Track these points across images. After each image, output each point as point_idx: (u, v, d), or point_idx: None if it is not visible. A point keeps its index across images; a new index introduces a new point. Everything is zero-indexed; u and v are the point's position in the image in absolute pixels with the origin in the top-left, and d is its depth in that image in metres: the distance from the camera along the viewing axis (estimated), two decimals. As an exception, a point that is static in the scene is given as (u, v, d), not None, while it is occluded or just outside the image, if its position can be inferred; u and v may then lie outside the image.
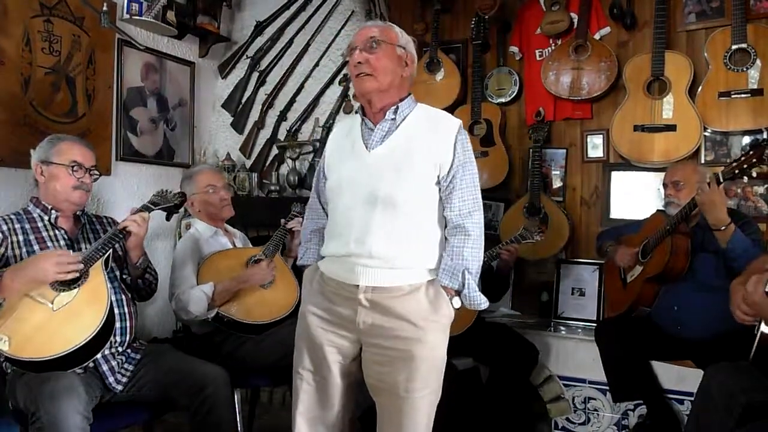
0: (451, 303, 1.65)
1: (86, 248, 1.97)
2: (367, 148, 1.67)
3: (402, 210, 1.62)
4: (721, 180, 2.18)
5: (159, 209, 2.12)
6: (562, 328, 3.02)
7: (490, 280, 2.78)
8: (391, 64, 1.65)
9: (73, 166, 1.99)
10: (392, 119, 1.67)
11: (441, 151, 1.66)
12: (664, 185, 2.58)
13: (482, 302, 1.66)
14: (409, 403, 1.61)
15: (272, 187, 3.49)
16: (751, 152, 2.11)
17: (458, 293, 1.65)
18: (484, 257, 2.64)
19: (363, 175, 1.64)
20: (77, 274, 1.79)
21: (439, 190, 1.68)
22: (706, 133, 2.91)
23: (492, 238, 3.14)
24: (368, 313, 1.61)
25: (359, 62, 1.63)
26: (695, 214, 2.40)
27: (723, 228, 2.21)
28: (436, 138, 1.67)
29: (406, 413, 1.61)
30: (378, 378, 1.64)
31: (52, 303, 1.75)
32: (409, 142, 1.65)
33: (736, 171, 2.12)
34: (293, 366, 1.75)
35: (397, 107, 1.68)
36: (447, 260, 1.64)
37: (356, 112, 1.78)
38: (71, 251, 1.93)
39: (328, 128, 3.44)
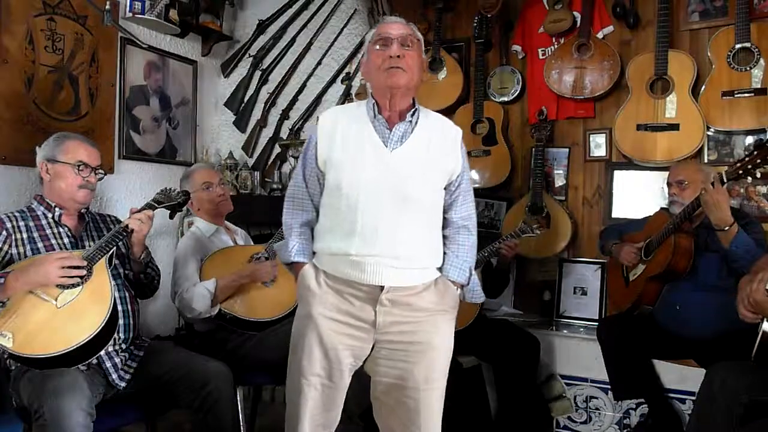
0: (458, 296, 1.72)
1: (90, 246, 1.98)
2: (387, 147, 1.65)
3: (425, 212, 1.68)
4: (725, 180, 2.18)
5: (162, 207, 2.13)
6: (564, 327, 3.02)
7: (490, 276, 2.78)
8: (419, 65, 1.69)
9: (79, 166, 2.00)
10: (410, 121, 1.69)
11: (451, 157, 1.72)
12: (668, 184, 2.58)
13: (481, 296, 1.78)
14: (428, 396, 1.64)
15: (274, 186, 3.50)
16: (755, 152, 2.10)
17: (462, 287, 1.72)
18: (484, 253, 2.67)
19: (388, 175, 1.62)
20: (79, 279, 1.80)
21: (445, 193, 1.73)
22: (709, 133, 2.90)
23: (494, 237, 3.15)
24: (388, 312, 1.62)
25: (398, 55, 1.62)
26: (699, 214, 2.39)
27: (726, 228, 2.21)
28: (447, 144, 1.73)
29: (425, 406, 1.64)
30: (397, 375, 1.64)
31: (56, 300, 1.76)
32: (427, 145, 1.68)
33: (740, 171, 2.12)
34: (298, 373, 1.66)
35: (416, 110, 1.70)
36: (453, 257, 1.72)
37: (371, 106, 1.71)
38: (75, 250, 1.95)
39: (330, 127, 3.44)
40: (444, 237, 1.74)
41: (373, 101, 1.69)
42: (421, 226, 1.67)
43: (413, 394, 1.63)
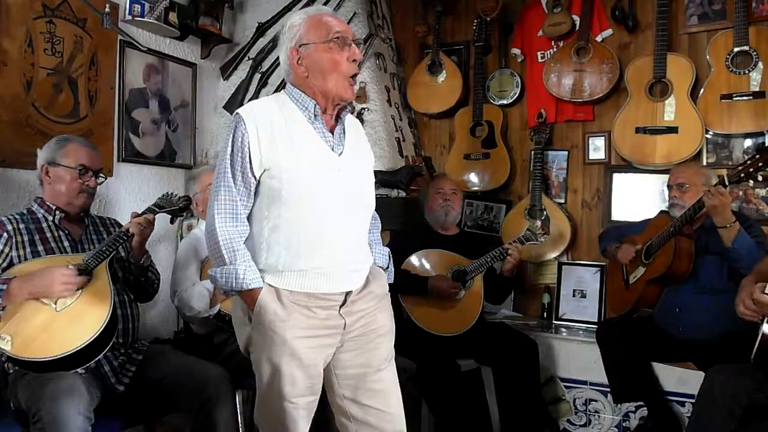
0: None
1: (90, 249, 1.98)
2: (333, 150, 1.60)
3: (370, 210, 1.72)
4: (727, 183, 2.19)
5: (164, 212, 2.14)
6: (564, 329, 3.02)
7: (493, 283, 2.77)
8: None
9: (80, 170, 2.00)
10: (342, 121, 1.67)
11: (369, 151, 1.78)
12: (669, 187, 2.58)
13: (392, 279, 1.82)
14: (389, 373, 1.68)
15: (274, 189, 3.49)
16: (757, 156, 2.12)
17: (385, 270, 1.78)
18: (487, 258, 2.66)
19: (342, 180, 1.59)
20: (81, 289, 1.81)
21: None
22: (708, 136, 2.91)
23: (494, 240, 3.14)
24: (350, 311, 1.61)
25: (358, 60, 1.61)
26: (699, 217, 2.40)
27: (728, 226, 2.22)
28: (364, 140, 1.78)
29: (389, 383, 1.67)
30: (361, 363, 1.63)
31: (56, 304, 1.77)
32: (357, 144, 1.70)
33: (742, 174, 2.14)
34: (280, 399, 1.56)
35: (345, 107, 1.68)
36: (374, 245, 1.77)
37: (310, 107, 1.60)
38: (76, 253, 1.95)
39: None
40: None
41: (314, 101, 1.59)
42: (367, 224, 1.71)
43: (377, 376, 1.64)
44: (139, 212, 2.08)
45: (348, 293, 1.60)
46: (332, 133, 1.62)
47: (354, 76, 1.60)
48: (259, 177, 1.55)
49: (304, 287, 1.55)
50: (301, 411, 1.58)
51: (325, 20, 1.59)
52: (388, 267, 1.80)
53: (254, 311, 1.54)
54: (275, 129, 1.55)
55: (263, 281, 1.54)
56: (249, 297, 1.55)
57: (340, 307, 1.59)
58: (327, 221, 1.55)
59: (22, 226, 1.93)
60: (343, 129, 1.66)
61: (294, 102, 1.60)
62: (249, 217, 1.59)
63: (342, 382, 1.65)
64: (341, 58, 1.56)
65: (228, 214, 1.54)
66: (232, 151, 1.54)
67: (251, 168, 1.53)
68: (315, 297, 1.56)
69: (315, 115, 1.59)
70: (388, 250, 1.81)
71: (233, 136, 1.55)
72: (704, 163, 2.93)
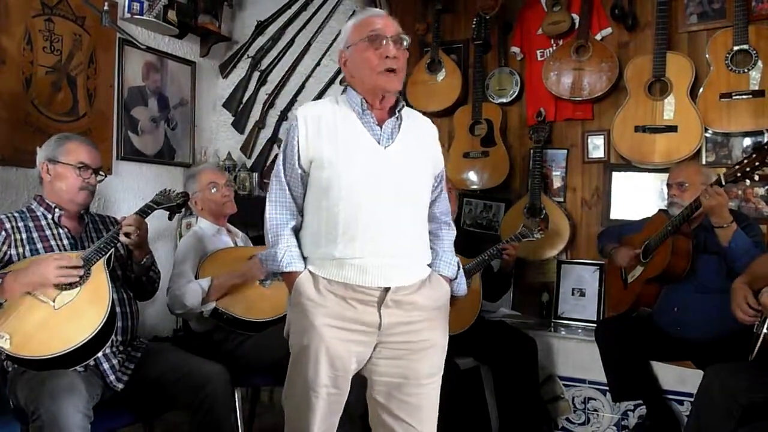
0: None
1: (89, 247, 1.98)
2: (379, 143, 1.62)
3: (420, 207, 1.69)
4: (723, 183, 2.19)
5: (161, 209, 2.14)
6: (563, 328, 3.02)
7: (490, 280, 2.78)
8: (406, 64, 1.68)
9: (80, 167, 2.00)
10: (397, 117, 1.67)
11: (435, 152, 1.76)
12: (668, 186, 2.58)
13: (465, 289, 1.80)
14: (429, 390, 1.65)
15: (273, 187, 3.49)
16: (753, 155, 2.11)
17: (450, 281, 1.73)
18: (485, 256, 2.66)
19: (385, 173, 1.60)
20: (77, 279, 1.80)
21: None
22: (707, 134, 2.91)
23: (493, 239, 3.14)
24: (392, 313, 1.59)
25: (396, 57, 1.60)
26: (698, 216, 2.40)
27: (725, 225, 2.22)
28: (430, 139, 1.77)
29: (426, 400, 1.65)
30: (398, 374, 1.62)
31: (54, 301, 1.76)
32: (415, 141, 1.69)
33: (739, 174, 2.13)
34: (304, 386, 1.58)
35: (402, 104, 1.69)
36: (440, 252, 1.73)
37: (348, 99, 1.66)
38: (74, 251, 1.95)
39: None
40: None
41: (361, 97, 1.64)
42: (417, 222, 1.67)
43: (415, 390, 1.63)
44: (137, 210, 2.08)
45: (387, 289, 1.58)
46: (381, 127, 1.64)
47: (391, 70, 1.60)
48: (309, 169, 1.63)
49: (341, 277, 1.57)
50: (321, 402, 1.58)
51: (367, 21, 1.64)
52: (456, 278, 1.75)
53: (291, 293, 1.62)
54: (322, 123, 1.62)
55: (305, 267, 1.61)
56: (288, 279, 1.64)
57: (379, 304, 1.58)
58: (364, 213, 1.57)
59: (21, 224, 1.93)
60: (399, 123, 1.67)
61: (347, 99, 1.67)
62: (303, 209, 1.67)
63: (376, 388, 1.66)
64: (372, 55, 1.60)
65: (277, 202, 1.66)
66: (286, 146, 1.66)
67: (299, 160, 1.62)
68: (352, 289, 1.57)
69: (363, 110, 1.63)
70: (457, 260, 1.76)
71: (288, 134, 1.67)
72: (703, 162, 2.93)
